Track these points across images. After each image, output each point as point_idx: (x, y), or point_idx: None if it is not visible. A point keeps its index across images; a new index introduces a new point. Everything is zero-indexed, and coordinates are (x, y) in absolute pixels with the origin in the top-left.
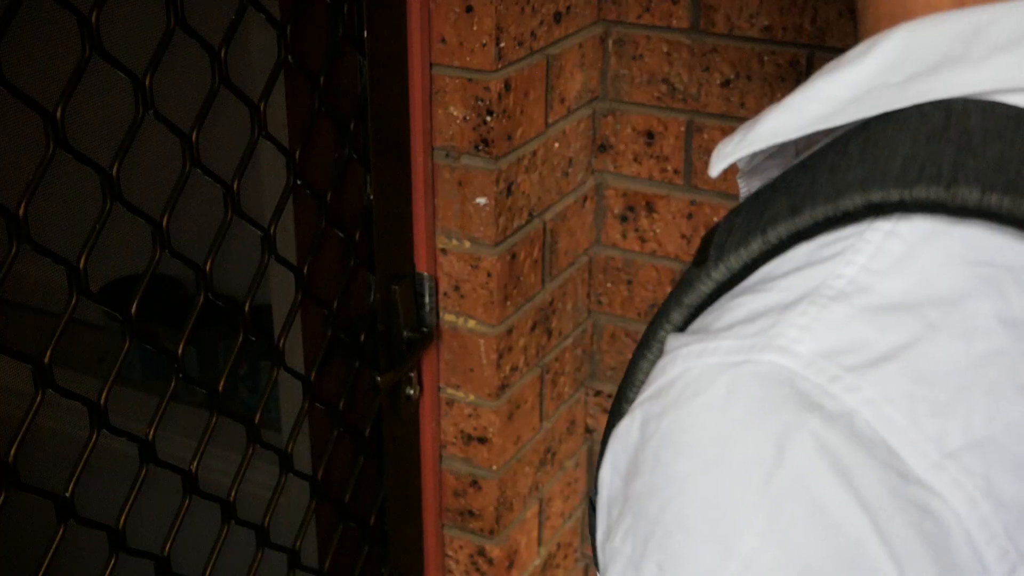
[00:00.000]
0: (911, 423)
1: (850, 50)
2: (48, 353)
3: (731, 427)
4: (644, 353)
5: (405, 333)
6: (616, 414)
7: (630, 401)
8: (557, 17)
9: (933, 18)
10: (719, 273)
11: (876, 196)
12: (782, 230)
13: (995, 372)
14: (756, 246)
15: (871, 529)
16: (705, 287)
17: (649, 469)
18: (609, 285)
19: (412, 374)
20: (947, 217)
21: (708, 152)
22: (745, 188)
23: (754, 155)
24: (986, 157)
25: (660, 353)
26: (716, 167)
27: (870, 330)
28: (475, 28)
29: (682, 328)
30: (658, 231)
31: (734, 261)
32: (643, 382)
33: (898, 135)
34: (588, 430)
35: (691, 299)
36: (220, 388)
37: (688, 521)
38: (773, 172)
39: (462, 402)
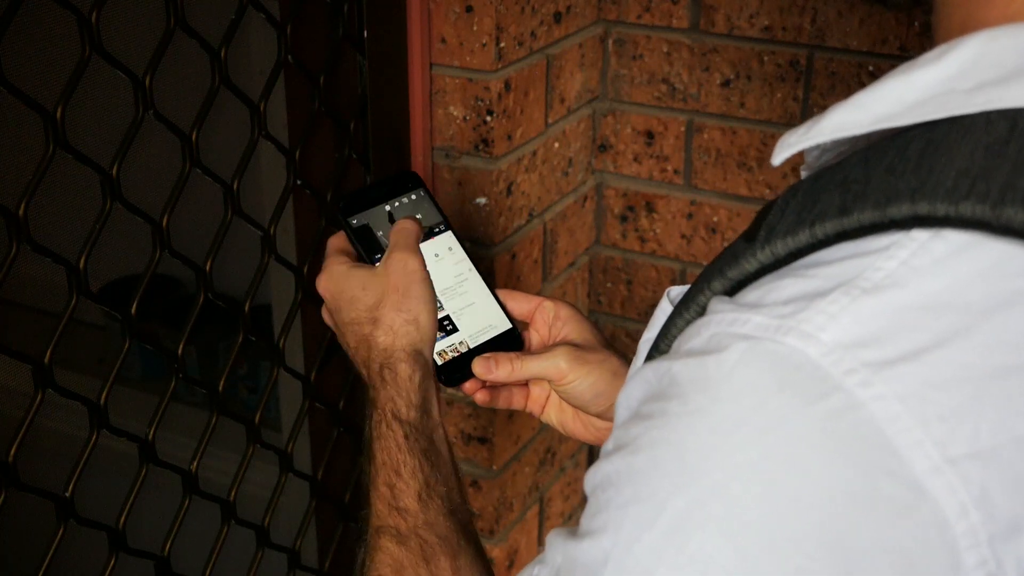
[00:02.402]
0: (918, 424)
1: (924, 54)
2: (48, 353)
3: (728, 390)
4: (682, 312)
5: None
6: (648, 359)
7: (661, 352)
8: (557, 17)
9: (1009, 28)
10: (764, 256)
11: (923, 209)
12: (829, 227)
13: (1013, 386)
14: (803, 238)
15: (838, 519)
16: (749, 266)
17: (653, 400)
18: (609, 285)
19: None
20: (992, 233)
21: (708, 152)
22: None
23: (823, 151)
24: None
25: (697, 314)
26: (778, 156)
27: (897, 327)
28: (475, 28)
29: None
30: (658, 231)
31: (780, 248)
32: (675, 336)
33: (959, 143)
34: None
35: (734, 273)
36: (220, 388)
37: (656, 450)
38: None
39: (462, 402)
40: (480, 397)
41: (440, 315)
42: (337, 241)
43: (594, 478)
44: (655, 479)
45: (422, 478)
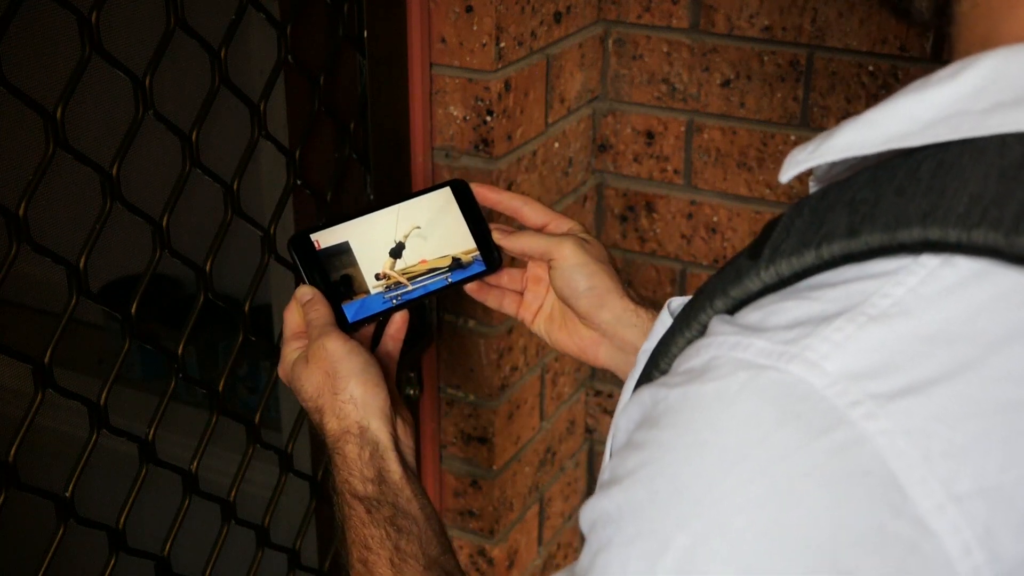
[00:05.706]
0: (923, 460)
1: (939, 70)
2: (48, 353)
3: (730, 420)
4: (682, 330)
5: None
6: (645, 377)
7: (660, 370)
8: (557, 17)
9: None
10: (768, 276)
11: (935, 234)
12: (836, 249)
13: (1021, 422)
14: (809, 258)
15: (845, 556)
16: (753, 285)
17: (648, 427)
18: None
19: (412, 374)
20: (1005, 260)
21: (708, 152)
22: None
23: (833, 164)
24: None
25: (699, 333)
26: (786, 174)
27: (903, 358)
28: (475, 28)
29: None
30: (658, 231)
31: (785, 268)
32: (675, 355)
33: (972, 166)
34: (588, 430)
35: (737, 292)
36: (220, 388)
37: (656, 483)
38: None
39: (462, 402)
40: (471, 286)
41: (472, 250)
42: (292, 319)
43: (592, 514)
44: (658, 515)
45: (391, 545)
